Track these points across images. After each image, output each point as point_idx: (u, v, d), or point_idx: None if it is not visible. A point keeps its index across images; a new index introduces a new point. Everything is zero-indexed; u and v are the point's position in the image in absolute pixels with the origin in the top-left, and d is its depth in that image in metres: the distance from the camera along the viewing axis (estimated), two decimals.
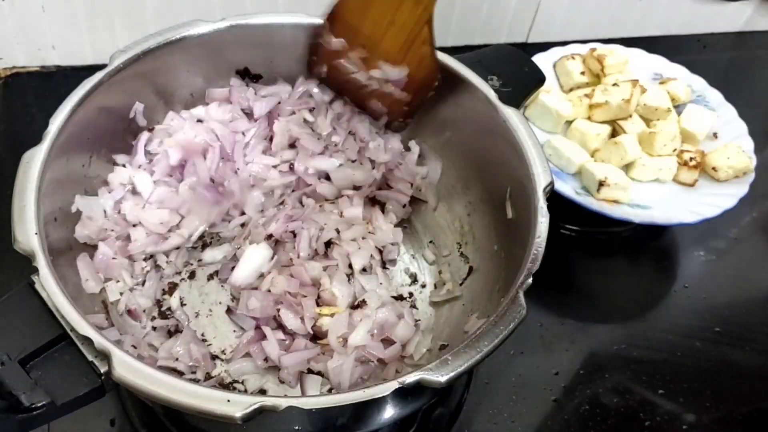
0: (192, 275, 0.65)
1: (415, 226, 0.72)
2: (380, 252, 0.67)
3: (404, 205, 0.71)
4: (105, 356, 0.42)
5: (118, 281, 0.60)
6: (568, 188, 0.76)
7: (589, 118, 0.84)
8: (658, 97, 0.85)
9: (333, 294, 0.61)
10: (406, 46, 0.61)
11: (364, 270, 0.65)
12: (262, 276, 0.62)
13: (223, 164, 0.67)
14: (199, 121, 0.68)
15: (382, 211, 0.70)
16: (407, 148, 0.72)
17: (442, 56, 0.64)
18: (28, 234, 0.47)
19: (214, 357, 0.59)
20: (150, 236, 0.63)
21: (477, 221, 0.68)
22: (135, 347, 0.56)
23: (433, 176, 0.72)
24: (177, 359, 0.57)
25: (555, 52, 0.90)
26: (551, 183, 0.55)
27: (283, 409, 0.40)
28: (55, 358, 0.43)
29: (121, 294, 0.60)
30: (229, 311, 0.62)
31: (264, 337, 0.58)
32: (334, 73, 0.66)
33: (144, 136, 0.65)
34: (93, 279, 0.57)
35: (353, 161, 0.70)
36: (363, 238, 0.66)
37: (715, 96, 0.88)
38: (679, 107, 0.87)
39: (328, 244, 0.66)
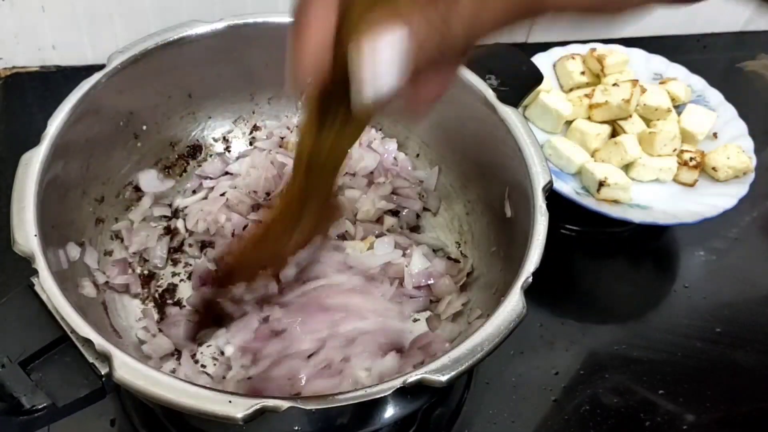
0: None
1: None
2: None
3: (417, 215, 0.71)
4: (106, 358, 0.42)
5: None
6: (568, 188, 0.76)
7: (589, 118, 0.84)
8: (658, 97, 0.84)
9: None
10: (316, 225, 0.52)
11: None
12: None
13: None
14: None
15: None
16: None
17: None
18: (27, 236, 0.47)
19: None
20: None
21: (476, 221, 0.68)
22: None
23: (429, 182, 0.72)
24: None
25: (555, 52, 0.90)
26: (550, 182, 0.55)
27: (284, 410, 0.40)
28: (56, 359, 0.43)
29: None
30: None
31: None
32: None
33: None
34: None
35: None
36: None
37: (715, 96, 0.88)
38: (679, 107, 0.87)
39: None
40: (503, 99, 0.60)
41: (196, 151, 0.72)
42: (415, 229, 0.71)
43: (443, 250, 0.69)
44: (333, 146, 0.41)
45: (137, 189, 0.67)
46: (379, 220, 0.69)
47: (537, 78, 0.69)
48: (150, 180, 0.68)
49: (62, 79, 0.85)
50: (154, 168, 0.69)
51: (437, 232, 0.71)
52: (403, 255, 0.66)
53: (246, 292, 0.54)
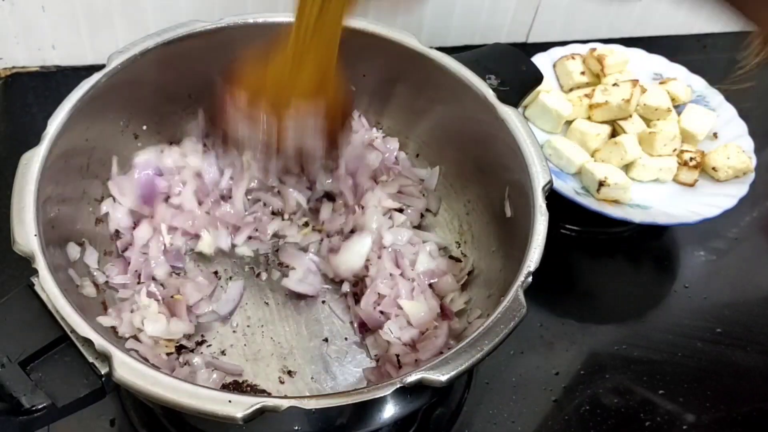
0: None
1: None
2: None
3: (422, 215, 0.71)
4: (105, 358, 0.42)
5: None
6: (568, 188, 0.76)
7: (589, 118, 0.84)
8: (658, 97, 0.84)
9: None
10: (320, 80, 0.54)
11: None
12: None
13: None
14: None
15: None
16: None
17: (440, 56, 0.64)
18: (27, 235, 0.47)
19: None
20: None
21: (476, 220, 0.68)
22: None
23: (430, 182, 0.72)
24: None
25: (555, 52, 0.90)
26: (550, 182, 0.55)
27: (284, 410, 0.40)
28: (56, 359, 0.43)
29: None
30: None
31: None
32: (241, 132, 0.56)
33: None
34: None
35: None
36: None
37: (714, 96, 0.88)
38: (679, 107, 0.87)
39: None
40: (503, 99, 0.60)
41: None
42: (418, 227, 0.71)
43: (446, 248, 0.69)
44: None
45: None
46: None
47: (537, 78, 0.69)
48: None
49: (62, 79, 0.85)
50: None
51: (437, 231, 0.71)
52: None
53: (248, 127, 0.54)
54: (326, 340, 0.62)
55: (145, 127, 0.66)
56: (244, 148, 0.56)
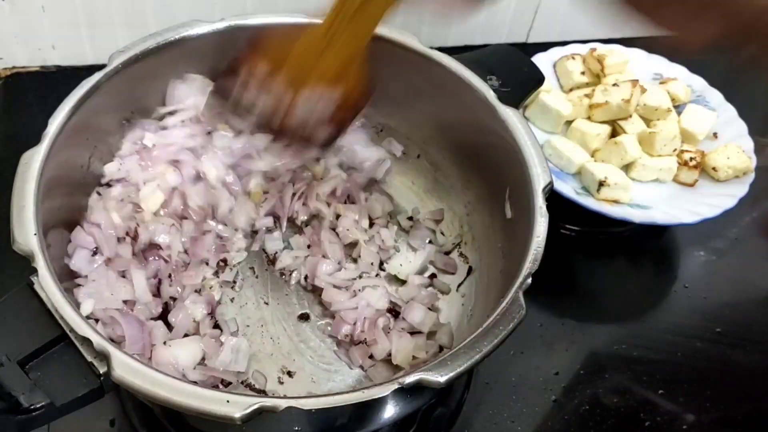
0: None
1: None
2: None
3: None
4: (104, 357, 0.42)
5: None
6: (568, 188, 0.76)
7: (589, 118, 0.84)
8: (658, 97, 0.84)
9: None
10: (343, 67, 0.54)
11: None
12: None
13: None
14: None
15: None
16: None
17: (440, 56, 0.64)
18: (27, 235, 0.47)
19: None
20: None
21: (476, 221, 0.68)
22: None
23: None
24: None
25: (555, 52, 0.90)
26: (550, 183, 0.55)
27: (282, 410, 0.40)
28: (54, 358, 0.43)
29: None
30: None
31: None
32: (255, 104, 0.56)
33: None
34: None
35: None
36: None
37: (715, 96, 0.88)
38: (679, 107, 0.87)
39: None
40: (504, 100, 0.60)
41: None
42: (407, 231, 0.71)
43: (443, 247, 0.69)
44: None
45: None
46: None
47: (538, 79, 0.69)
48: None
49: (62, 79, 0.85)
50: None
51: (438, 232, 0.71)
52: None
53: (258, 93, 0.54)
54: (326, 340, 0.62)
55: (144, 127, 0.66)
56: (251, 116, 0.55)
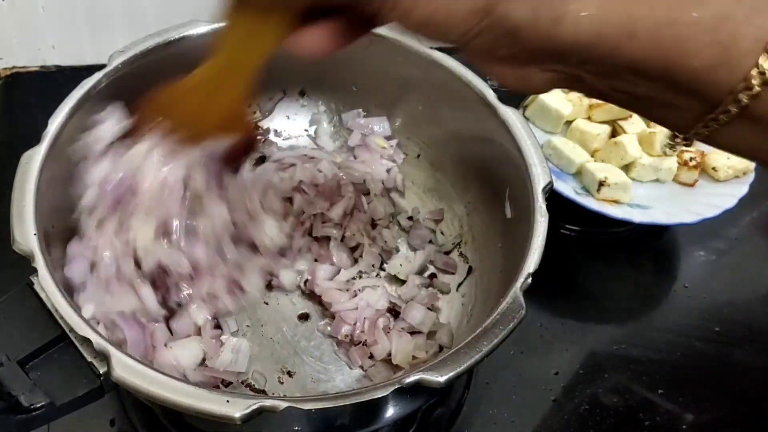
0: None
1: None
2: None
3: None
4: (104, 357, 0.42)
5: None
6: (568, 188, 0.76)
7: (589, 118, 0.84)
8: None
9: None
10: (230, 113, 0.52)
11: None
12: None
13: None
14: None
15: None
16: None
17: (441, 56, 0.64)
18: (26, 234, 0.47)
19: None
20: None
21: (476, 221, 0.68)
22: None
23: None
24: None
25: None
26: (550, 183, 0.55)
27: (282, 410, 0.40)
28: (54, 358, 0.43)
29: None
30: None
31: None
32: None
33: None
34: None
35: None
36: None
37: None
38: None
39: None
40: (504, 100, 0.60)
41: None
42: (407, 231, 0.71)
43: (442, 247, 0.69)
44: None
45: None
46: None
47: None
48: None
49: (62, 79, 0.85)
50: None
51: (438, 232, 0.71)
52: None
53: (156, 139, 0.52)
54: (326, 340, 0.62)
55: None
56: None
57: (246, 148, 0.55)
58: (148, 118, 0.52)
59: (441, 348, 0.61)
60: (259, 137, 0.56)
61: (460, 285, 0.67)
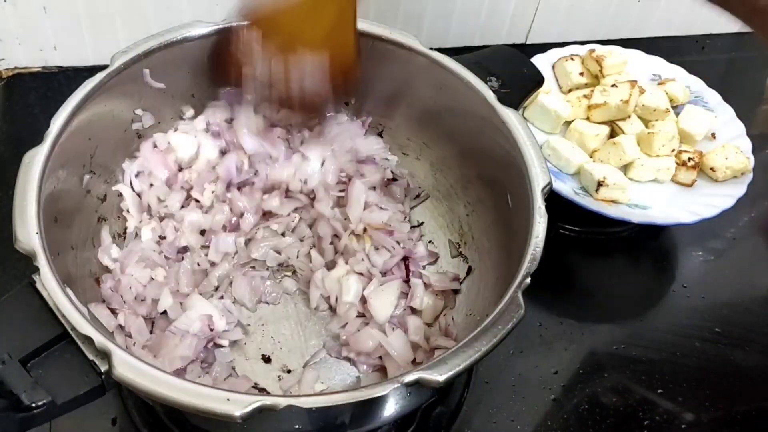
0: None
1: None
2: None
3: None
4: (105, 355, 0.42)
5: None
6: (567, 188, 0.76)
7: (587, 118, 0.84)
8: (657, 98, 0.85)
9: None
10: (329, 32, 0.54)
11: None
12: None
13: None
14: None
15: None
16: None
17: (441, 57, 0.64)
18: (29, 233, 0.47)
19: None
20: None
21: (476, 221, 0.68)
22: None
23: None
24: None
25: (554, 53, 0.90)
26: (549, 183, 0.55)
27: (282, 408, 0.40)
28: (56, 357, 0.44)
29: None
30: None
31: None
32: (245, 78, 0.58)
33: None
34: None
35: None
36: None
37: (713, 97, 0.88)
38: (677, 108, 0.87)
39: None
40: (504, 101, 0.61)
41: None
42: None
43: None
44: None
45: None
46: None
47: (538, 80, 0.69)
48: None
49: (64, 79, 0.86)
50: None
51: (438, 232, 0.71)
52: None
53: (256, 66, 0.55)
54: (326, 339, 0.63)
55: (147, 126, 0.67)
56: (251, 86, 0.57)
57: (344, 82, 0.57)
58: (253, 26, 0.54)
59: (440, 347, 0.61)
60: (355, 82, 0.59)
61: (460, 284, 0.67)
